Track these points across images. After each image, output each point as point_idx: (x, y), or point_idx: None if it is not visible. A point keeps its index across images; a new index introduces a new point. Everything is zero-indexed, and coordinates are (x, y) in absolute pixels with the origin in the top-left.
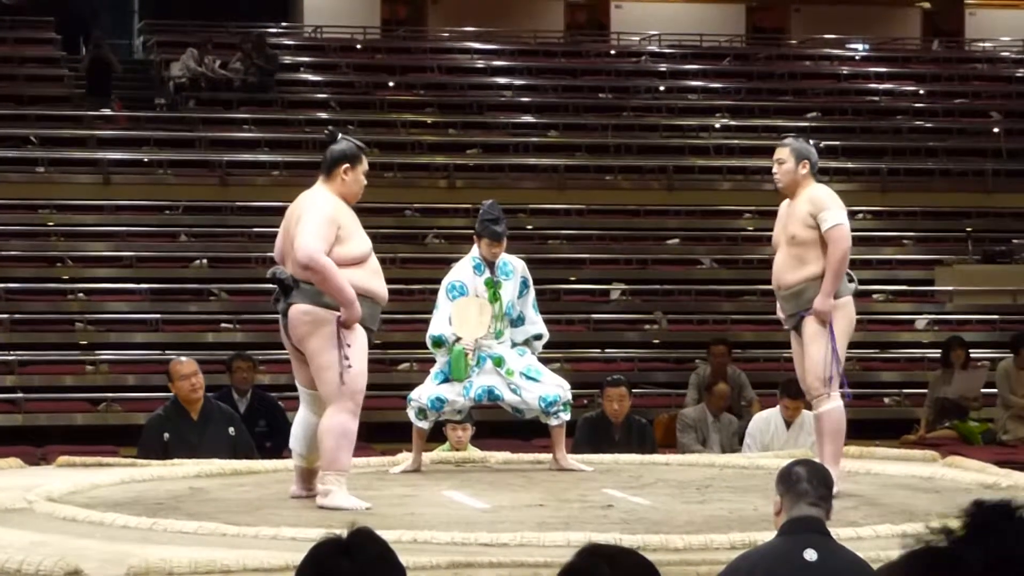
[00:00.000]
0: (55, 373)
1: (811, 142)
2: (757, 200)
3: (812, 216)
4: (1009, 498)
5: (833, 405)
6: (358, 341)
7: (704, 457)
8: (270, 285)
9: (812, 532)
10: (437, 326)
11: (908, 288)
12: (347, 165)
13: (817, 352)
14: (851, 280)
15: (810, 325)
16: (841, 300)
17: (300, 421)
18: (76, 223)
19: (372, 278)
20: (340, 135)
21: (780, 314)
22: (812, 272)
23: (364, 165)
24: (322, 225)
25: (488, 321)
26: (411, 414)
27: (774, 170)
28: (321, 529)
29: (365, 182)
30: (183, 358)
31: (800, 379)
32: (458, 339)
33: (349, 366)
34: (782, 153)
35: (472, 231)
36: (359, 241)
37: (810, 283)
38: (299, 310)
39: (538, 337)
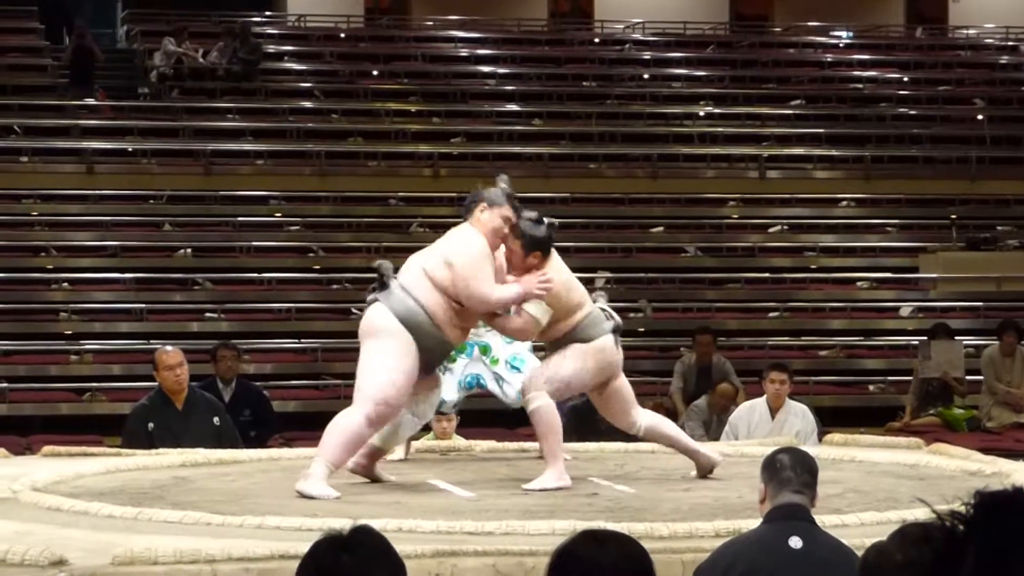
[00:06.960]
0: (40, 363)
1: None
2: (741, 188)
3: None
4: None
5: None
6: (404, 354)
7: None
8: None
9: (797, 519)
10: None
11: (892, 275)
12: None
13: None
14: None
15: None
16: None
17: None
18: (60, 213)
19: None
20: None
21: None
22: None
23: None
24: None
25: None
26: None
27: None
28: (305, 518)
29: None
30: (169, 348)
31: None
32: None
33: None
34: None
35: (457, 220)
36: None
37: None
38: (379, 309)
39: None
